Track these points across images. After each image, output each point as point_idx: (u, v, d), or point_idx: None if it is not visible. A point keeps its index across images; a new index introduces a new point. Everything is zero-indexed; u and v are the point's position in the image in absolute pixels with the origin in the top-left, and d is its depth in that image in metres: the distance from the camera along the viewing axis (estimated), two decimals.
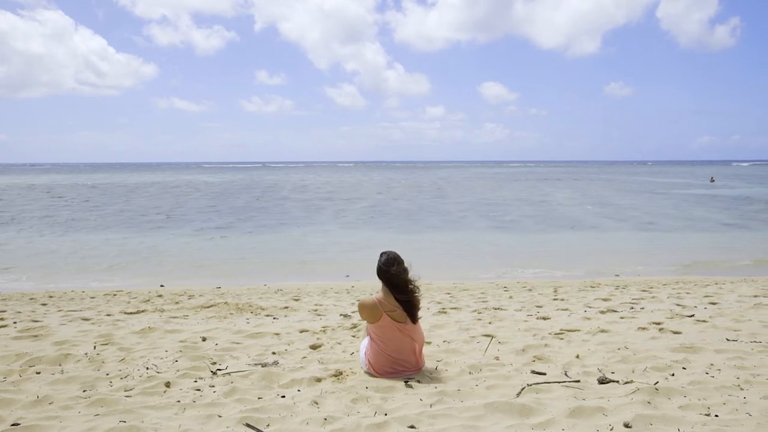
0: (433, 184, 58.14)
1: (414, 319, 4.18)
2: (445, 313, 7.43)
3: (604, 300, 8.44)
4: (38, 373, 4.28)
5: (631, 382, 3.83)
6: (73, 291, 10.73)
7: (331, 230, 21.57)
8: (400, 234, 20.61)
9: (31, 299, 9.52)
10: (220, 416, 3.31)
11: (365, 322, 4.38)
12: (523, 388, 3.72)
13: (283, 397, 3.69)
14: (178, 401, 3.56)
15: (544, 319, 6.67)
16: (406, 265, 4.23)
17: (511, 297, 9.16)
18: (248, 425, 3.08)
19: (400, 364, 4.15)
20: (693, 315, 6.59)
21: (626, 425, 3.01)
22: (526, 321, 6.53)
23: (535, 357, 4.69)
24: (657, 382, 3.74)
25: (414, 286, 4.18)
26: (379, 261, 4.23)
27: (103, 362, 4.60)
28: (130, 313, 7.77)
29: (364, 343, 4.37)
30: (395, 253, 4.25)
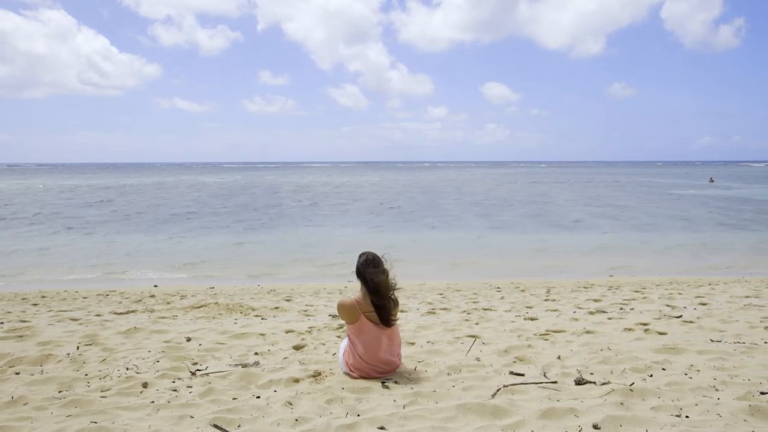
0: (433, 185, 58.15)
1: (388, 323, 4.16)
2: (433, 313, 7.42)
3: (595, 301, 8.42)
4: (17, 373, 4.28)
5: (608, 383, 3.82)
6: (66, 291, 10.74)
7: (329, 230, 21.59)
8: (398, 234, 20.61)
9: (23, 299, 9.53)
10: (192, 417, 3.31)
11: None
12: (498, 389, 3.71)
13: (258, 397, 3.68)
14: (152, 402, 3.55)
15: (532, 319, 6.66)
16: (386, 266, 4.22)
17: (502, 298, 9.15)
18: (216, 426, 3.08)
19: (377, 365, 4.15)
20: (681, 316, 6.58)
21: (595, 427, 3.00)
22: (513, 322, 6.51)
23: (516, 358, 4.68)
24: (633, 383, 3.73)
25: (391, 290, 4.17)
26: (358, 261, 4.23)
27: (84, 363, 4.60)
28: (120, 313, 7.77)
29: (344, 344, 4.37)
30: (374, 254, 4.25)
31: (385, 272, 4.19)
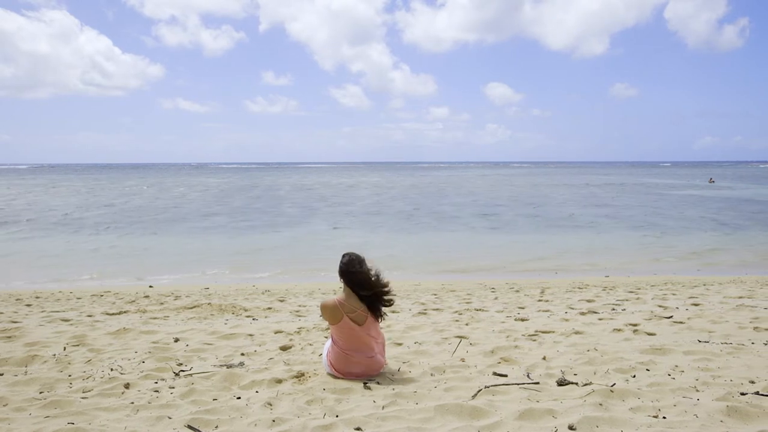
0: (433, 185, 58.17)
1: (377, 314, 4.18)
2: (425, 314, 7.41)
3: (589, 301, 8.41)
4: (1, 374, 4.28)
5: (590, 383, 3.81)
6: (60, 291, 10.74)
7: (328, 231, 21.60)
8: (395, 234, 20.61)
9: (17, 300, 9.53)
10: (170, 417, 3.30)
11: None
12: (479, 390, 3.70)
13: (239, 398, 3.68)
14: (132, 403, 3.55)
15: (522, 320, 6.65)
16: (368, 267, 4.24)
17: (496, 298, 9.13)
18: (190, 427, 3.08)
19: (360, 365, 4.15)
20: (671, 316, 6.57)
21: (571, 428, 3.00)
22: (503, 322, 6.51)
23: (501, 359, 4.68)
24: (614, 384, 3.72)
25: (378, 277, 4.18)
26: (341, 262, 4.24)
27: (69, 363, 4.60)
28: (112, 314, 7.77)
29: (327, 345, 4.37)
30: (356, 254, 4.26)
31: (368, 271, 4.20)
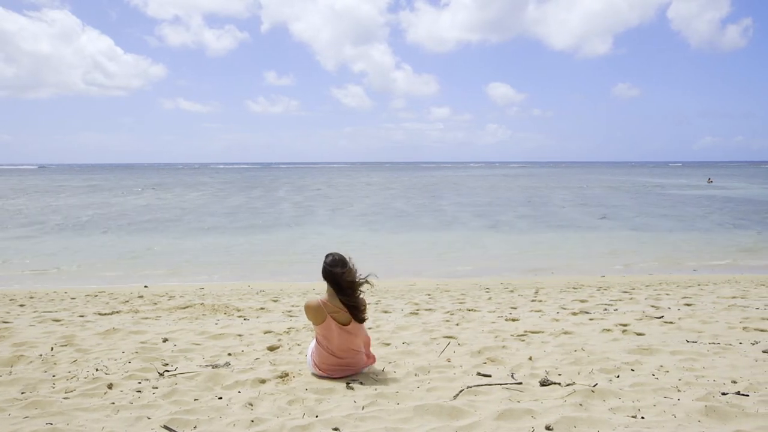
0: (432, 185, 58.16)
1: (359, 320, 4.17)
2: (416, 314, 7.39)
3: (582, 301, 8.39)
4: None
5: (573, 384, 3.80)
6: (55, 291, 10.76)
7: (327, 231, 21.60)
8: (394, 234, 20.61)
9: (11, 300, 9.54)
10: (149, 418, 3.30)
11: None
12: (461, 390, 3.69)
13: (220, 398, 3.68)
14: (113, 403, 3.55)
15: (513, 320, 6.64)
16: (351, 267, 4.23)
17: (490, 298, 9.12)
18: (166, 427, 3.07)
19: (344, 365, 4.15)
20: (662, 316, 6.55)
21: (548, 428, 2.99)
22: (493, 323, 6.49)
23: (488, 359, 4.67)
24: (596, 384, 3.71)
25: (359, 288, 4.17)
26: (325, 262, 4.23)
27: (55, 364, 4.60)
28: (104, 314, 7.77)
29: (312, 345, 4.37)
30: (341, 255, 4.25)
31: (352, 271, 4.19)
